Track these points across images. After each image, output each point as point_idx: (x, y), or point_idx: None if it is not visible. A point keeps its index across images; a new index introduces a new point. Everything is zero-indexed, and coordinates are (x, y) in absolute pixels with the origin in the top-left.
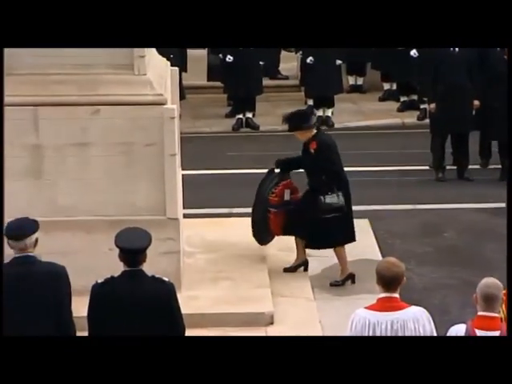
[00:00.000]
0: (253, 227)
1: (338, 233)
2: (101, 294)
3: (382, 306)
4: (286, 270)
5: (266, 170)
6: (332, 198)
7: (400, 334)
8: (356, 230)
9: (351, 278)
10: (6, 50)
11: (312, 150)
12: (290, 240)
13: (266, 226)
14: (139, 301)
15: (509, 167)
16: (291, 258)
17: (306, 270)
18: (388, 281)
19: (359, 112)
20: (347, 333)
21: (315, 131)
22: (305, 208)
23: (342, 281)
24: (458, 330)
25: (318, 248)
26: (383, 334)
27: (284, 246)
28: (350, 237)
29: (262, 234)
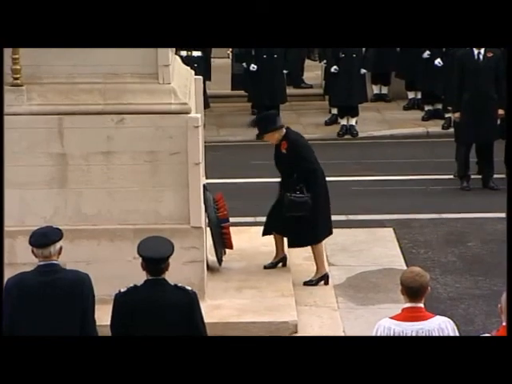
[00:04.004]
0: (215, 249)
1: (302, 233)
2: (123, 302)
3: (407, 315)
4: (267, 267)
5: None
6: (298, 198)
7: None
8: (380, 238)
9: (325, 278)
10: (32, 59)
11: (284, 151)
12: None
13: (223, 243)
14: (161, 310)
15: (508, 173)
16: (315, 267)
17: (284, 265)
18: (413, 291)
19: (384, 121)
20: None
21: (285, 131)
22: (280, 207)
23: (316, 280)
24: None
25: (292, 247)
26: None
27: (309, 256)
28: (318, 237)
29: (221, 254)
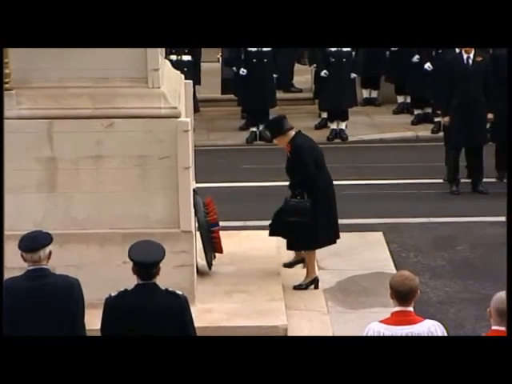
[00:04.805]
0: (205, 254)
1: (300, 238)
2: (114, 307)
3: (397, 319)
4: (286, 265)
5: (280, 183)
6: (297, 203)
7: None
8: (370, 242)
9: (315, 282)
10: (21, 64)
11: (288, 154)
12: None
13: (213, 247)
14: (152, 314)
15: (508, 175)
16: (305, 271)
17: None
18: (402, 294)
19: (373, 125)
20: None
21: (293, 134)
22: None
23: (306, 284)
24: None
25: (290, 249)
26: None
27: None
28: (316, 244)
29: (211, 258)
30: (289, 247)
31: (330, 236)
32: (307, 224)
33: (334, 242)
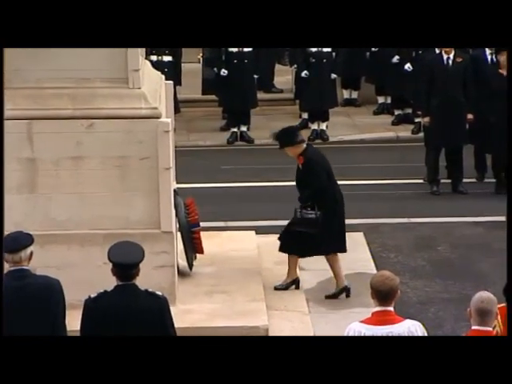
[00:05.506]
0: (186, 254)
1: (307, 248)
2: (93, 308)
3: (377, 319)
4: (277, 288)
5: (260, 184)
6: (308, 215)
7: None
8: (351, 243)
9: (296, 283)
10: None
11: (300, 165)
12: (286, 253)
13: (194, 247)
14: (132, 315)
15: (508, 176)
16: (286, 271)
17: (297, 287)
18: (383, 294)
19: (353, 126)
20: None
21: (305, 146)
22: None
23: (286, 285)
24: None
25: (284, 251)
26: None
27: (280, 260)
28: (324, 251)
29: (191, 258)
30: (282, 250)
31: (334, 247)
32: (315, 235)
33: (325, 254)
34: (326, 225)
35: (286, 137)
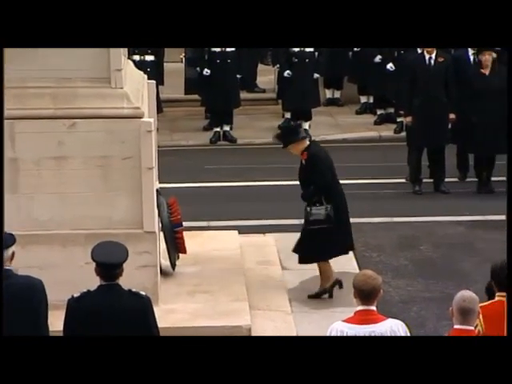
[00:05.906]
0: (168, 254)
1: (323, 246)
2: (76, 308)
3: (360, 318)
4: (310, 296)
5: (243, 184)
6: (319, 210)
7: None
8: None
9: (338, 283)
10: None
11: (303, 162)
12: (268, 253)
13: (176, 247)
14: (115, 315)
15: (508, 176)
16: (269, 271)
17: (340, 287)
18: (365, 294)
19: (336, 125)
20: None
21: (308, 143)
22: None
23: (319, 293)
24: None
25: (306, 262)
26: None
27: (262, 260)
28: (339, 250)
29: (174, 258)
30: (302, 261)
31: (342, 247)
32: (322, 233)
33: (346, 253)
34: (337, 220)
35: (289, 134)
